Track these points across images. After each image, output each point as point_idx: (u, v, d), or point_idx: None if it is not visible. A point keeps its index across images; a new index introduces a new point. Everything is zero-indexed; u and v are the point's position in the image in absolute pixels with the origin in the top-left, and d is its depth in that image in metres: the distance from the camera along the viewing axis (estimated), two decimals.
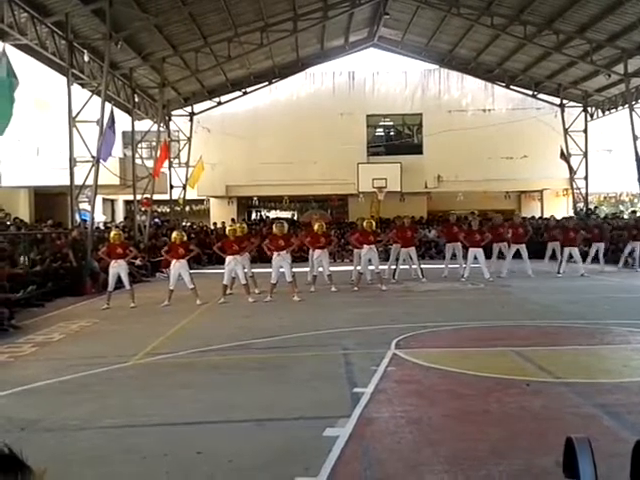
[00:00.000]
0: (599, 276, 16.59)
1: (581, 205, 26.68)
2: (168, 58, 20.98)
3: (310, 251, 15.24)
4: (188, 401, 5.70)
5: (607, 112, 25.73)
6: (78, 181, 16.85)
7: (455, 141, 26.76)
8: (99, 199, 23.31)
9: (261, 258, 19.87)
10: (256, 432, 4.78)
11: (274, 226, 14.21)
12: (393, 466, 4.03)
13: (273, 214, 30.92)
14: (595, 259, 18.13)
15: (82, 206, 18.77)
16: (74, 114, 16.63)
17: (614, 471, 2.98)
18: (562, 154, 25.69)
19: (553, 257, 18.17)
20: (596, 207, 25.71)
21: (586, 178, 26.17)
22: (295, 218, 30.15)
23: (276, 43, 22.16)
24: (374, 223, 15.81)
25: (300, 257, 18.36)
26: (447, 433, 4.69)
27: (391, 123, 29.96)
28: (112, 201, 29.36)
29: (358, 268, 15.43)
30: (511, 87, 27.10)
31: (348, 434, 4.55)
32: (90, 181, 16.87)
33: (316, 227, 14.86)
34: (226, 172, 27.48)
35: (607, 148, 27.13)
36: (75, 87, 17.20)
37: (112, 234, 13.52)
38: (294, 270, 13.58)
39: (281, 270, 13.33)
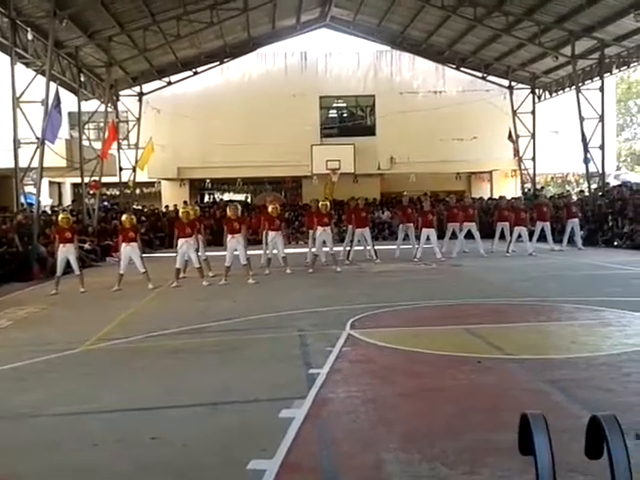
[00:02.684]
0: (546, 255, 17.02)
1: (529, 186, 27.26)
2: (115, 36, 20.44)
3: (264, 233, 15.17)
4: (141, 386, 5.61)
5: (554, 94, 26.26)
6: (23, 163, 16.39)
7: (407, 123, 26.91)
8: (45, 182, 22.69)
9: (215, 241, 19.72)
10: (211, 416, 4.74)
11: (228, 209, 14.06)
12: (349, 445, 4.05)
13: (226, 197, 30.63)
14: (541, 238, 18.52)
15: (27, 189, 18.25)
16: (18, 94, 16.12)
17: (565, 446, 3.06)
18: (510, 135, 26.14)
19: (502, 237, 18.51)
20: (542, 187, 26.32)
21: (534, 159, 26.73)
22: (249, 201, 29.92)
23: (227, 22, 21.82)
24: (328, 205, 15.82)
25: (254, 240, 18.25)
26: (402, 411, 4.74)
27: (344, 105, 29.96)
28: (59, 184, 28.64)
29: (313, 250, 15.45)
30: (461, 69, 27.35)
31: (304, 415, 4.55)
32: (35, 163, 16.40)
33: (270, 209, 14.78)
34: (177, 154, 27.06)
35: (554, 129, 27.70)
36: (19, 66, 16.64)
37: (60, 217, 13.19)
38: (248, 253, 13.49)
39: (235, 253, 13.25)
